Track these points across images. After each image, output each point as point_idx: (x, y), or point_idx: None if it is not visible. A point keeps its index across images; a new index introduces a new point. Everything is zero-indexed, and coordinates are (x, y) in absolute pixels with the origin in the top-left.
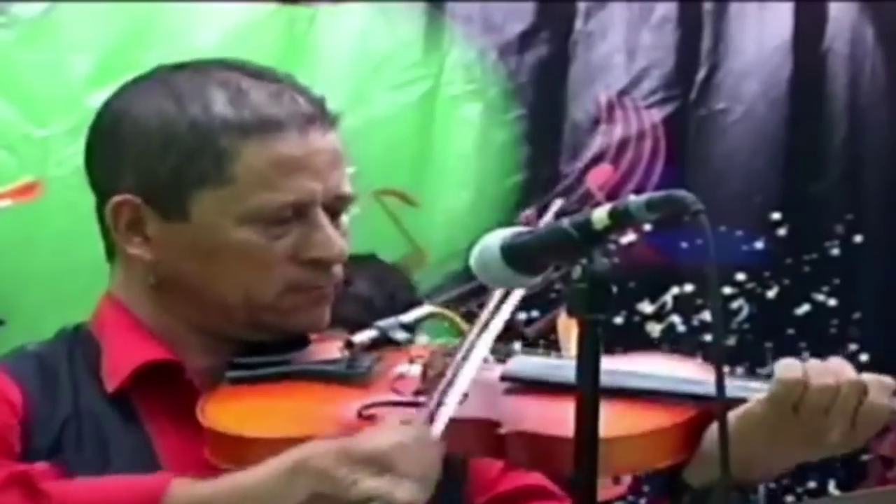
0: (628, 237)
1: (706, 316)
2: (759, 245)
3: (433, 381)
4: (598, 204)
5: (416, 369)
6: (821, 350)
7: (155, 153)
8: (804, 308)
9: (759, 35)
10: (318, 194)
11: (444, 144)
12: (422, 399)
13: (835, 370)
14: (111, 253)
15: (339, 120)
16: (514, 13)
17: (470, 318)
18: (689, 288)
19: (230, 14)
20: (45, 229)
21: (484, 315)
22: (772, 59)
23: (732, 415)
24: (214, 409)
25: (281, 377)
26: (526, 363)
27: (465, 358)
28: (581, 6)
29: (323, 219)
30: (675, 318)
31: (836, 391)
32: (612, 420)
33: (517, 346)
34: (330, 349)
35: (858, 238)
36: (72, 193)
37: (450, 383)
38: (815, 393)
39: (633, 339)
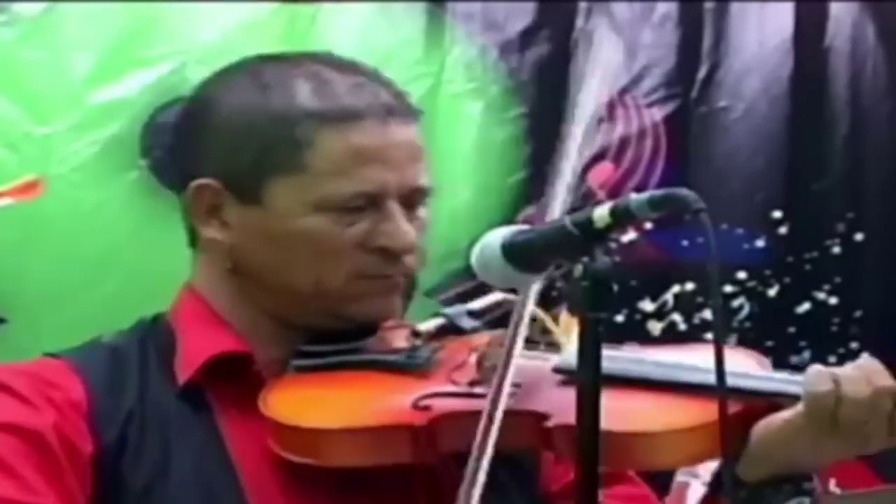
0: (629, 235)
1: (707, 314)
2: (760, 243)
3: (489, 371)
4: (599, 202)
5: (474, 359)
6: (822, 348)
7: (237, 141)
8: (805, 306)
9: (761, 33)
10: (393, 186)
11: (445, 142)
12: (476, 390)
13: (867, 376)
14: (193, 241)
15: (421, 115)
16: (515, 11)
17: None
18: (690, 286)
19: (231, 12)
20: (46, 227)
21: (520, 307)
22: (773, 57)
23: (778, 417)
24: (275, 398)
25: (344, 366)
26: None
27: (511, 349)
28: (582, 5)
29: (395, 210)
30: (676, 317)
31: (870, 404)
32: (658, 414)
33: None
34: (396, 338)
35: (859, 236)
36: (73, 191)
37: (501, 377)
38: (849, 407)
39: (634, 338)
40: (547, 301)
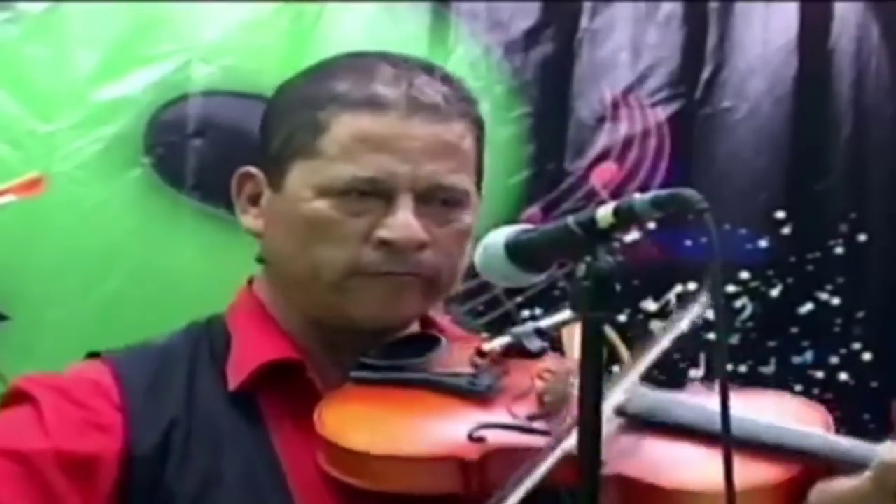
0: (632, 235)
1: (709, 314)
2: (762, 243)
3: (551, 406)
4: (602, 202)
5: (535, 391)
6: (824, 349)
7: (275, 127)
8: (808, 307)
9: (765, 33)
10: (403, 178)
11: None
12: (535, 425)
13: None
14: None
15: (474, 120)
16: (519, 11)
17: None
18: (692, 286)
19: (236, 10)
20: (49, 224)
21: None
22: (777, 57)
23: (842, 482)
24: (329, 414)
25: (404, 383)
26: (644, 398)
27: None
28: (587, 4)
29: (404, 203)
30: None
31: None
32: (712, 472)
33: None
34: (460, 356)
35: (862, 237)
36: (76, 189)
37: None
38: None
39: (637, 337)
40: (550, 302)
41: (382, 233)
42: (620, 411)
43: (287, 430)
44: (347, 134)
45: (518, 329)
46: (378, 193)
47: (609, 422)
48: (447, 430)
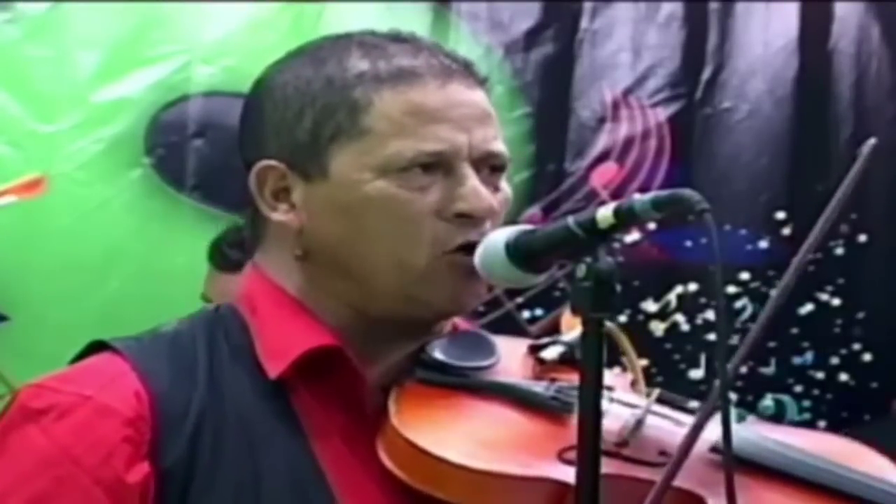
0: (632, 235)
1: (710, 315)
2: (763, 244)
3: (627, 433)
4: (602, 202)
5: (615, 412)
6: (824, 350)
7: (293, 116)
8: (808, 308)
9: (765, 34)
10: (463, 147)
11: None
12: (625, 452)
13: None
14: (255, 231)
15: (488, 82)
16: (520, 11)
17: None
18: (693, 287)
19: (236, 10)
20: (49, 225)
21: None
22: (777, 58)
23: None
24: (410, 414)
25: (479, 389)
26: (746, 440)
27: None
28: (587, 5)
29: (469, 173)
30: (679, 317)
31: None
32: None
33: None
34: (522, 364)
35: (863, 238)
36: (77, 189)
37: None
38: None
39: (637, 338)
40: (549, 301)
41: (460, 205)
42: (717, 449)
43: (326, 425)
44: (396, 108)
45: (566, 337)
46: (439, 166)
47: (701, 457)
48: (537, 448)
